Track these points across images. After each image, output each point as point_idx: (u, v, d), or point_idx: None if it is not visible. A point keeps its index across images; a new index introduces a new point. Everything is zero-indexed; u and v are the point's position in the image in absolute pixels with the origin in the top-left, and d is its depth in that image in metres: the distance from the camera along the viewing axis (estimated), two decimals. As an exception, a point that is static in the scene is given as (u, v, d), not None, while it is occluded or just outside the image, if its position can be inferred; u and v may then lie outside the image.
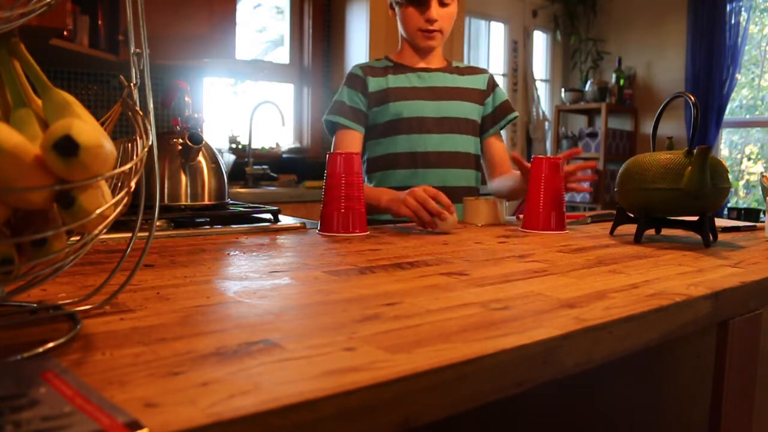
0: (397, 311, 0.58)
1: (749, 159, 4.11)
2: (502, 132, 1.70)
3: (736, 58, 3.77)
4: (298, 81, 3.47)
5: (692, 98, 1.11)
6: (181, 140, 1.21)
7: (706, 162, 0.99)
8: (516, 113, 1.65)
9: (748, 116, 4.05)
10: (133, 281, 0.67)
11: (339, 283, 0.70)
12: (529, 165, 1.33)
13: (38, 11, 0.45)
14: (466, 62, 2.64)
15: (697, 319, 0.69)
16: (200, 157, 1.24)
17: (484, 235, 1.19)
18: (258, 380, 0.39)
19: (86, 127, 0.40)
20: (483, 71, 1.70)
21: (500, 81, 4.28)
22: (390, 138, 1.56)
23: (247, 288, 0.67)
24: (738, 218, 3.27)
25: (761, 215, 3.05)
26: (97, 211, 0.43)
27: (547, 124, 4.48)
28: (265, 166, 3.05)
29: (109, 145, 0.42)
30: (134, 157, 0.49)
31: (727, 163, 3.88)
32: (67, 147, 0.39)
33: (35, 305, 0.55)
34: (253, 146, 3.14)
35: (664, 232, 1.28)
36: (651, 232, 1.26)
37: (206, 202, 1.25)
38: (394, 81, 1.58)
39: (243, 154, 3.10)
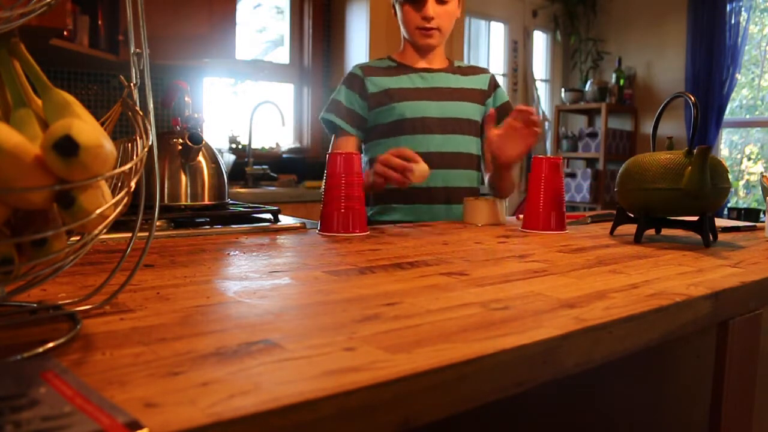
0: (397, 311, 0.58)
1: (749, 159, 4.11)
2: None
3: (736, 58, 3.77)
4: (298, 81, 3.47)
5: (692, 98, 1.11)
6: (181, 140, 1.21)
7: (706, 162, 0.99)
8: None
9: (748, 116, 4.05)
10: (133, 281, 0.67)
11: (339, 283, 0.70)
12: (533, 111, 1.33)
13: (38, 11, 0.45)
14: (466, 62, 2.64)
15: (697, 319, 0.69)
16: (200, 157, 1.25)
17: (484, 235, 1.19)
18: (258, 380, 0.39)
19: (86, 127, 0.40)
20: (484, 71, 1.70)
21: (500, 81, 4.25)
22: (392, 138, 1.56)
23: (247, 288, 0.67)
24: (738, 218, 3.28)
25: (761, 215, 3.05)
26: (97, 211, 0.43)
27: (547, 124, 4.48)
28: (265, 166, 3.05)
29: (109, 145, 0.42)
30: (134, 157, 0.49)
31: (727, 163, 3.88)
32: (67, 147, 0.39)
33: (35, 305, 0.55)
34: (253, 146, 3.14)
35: (664, 232, 1.28)
36: (651, 232, 1.26)
37: (206, 202, 1.25)
38: (397, 81, 1.58)
39: (243, 154, 3.10)
